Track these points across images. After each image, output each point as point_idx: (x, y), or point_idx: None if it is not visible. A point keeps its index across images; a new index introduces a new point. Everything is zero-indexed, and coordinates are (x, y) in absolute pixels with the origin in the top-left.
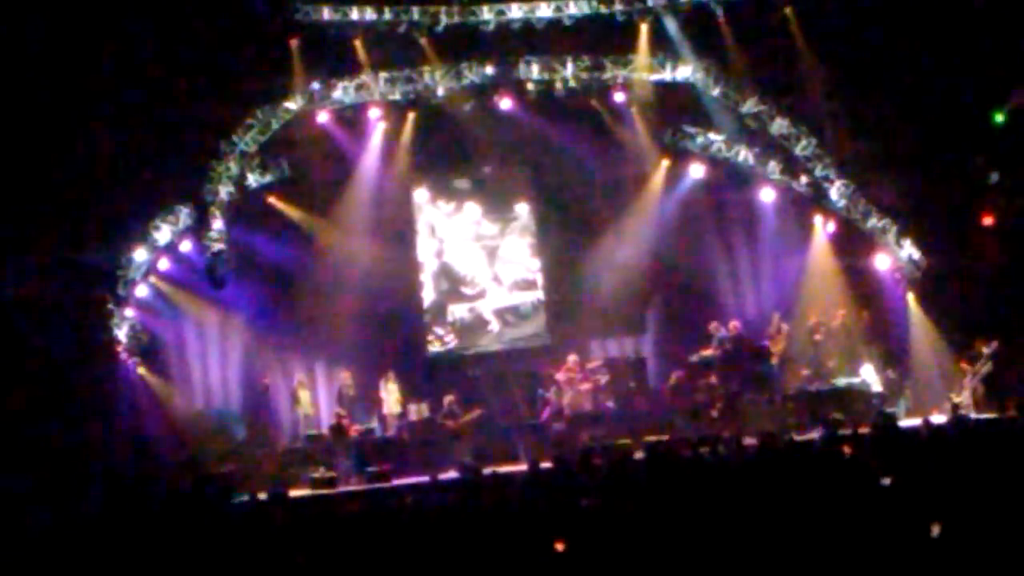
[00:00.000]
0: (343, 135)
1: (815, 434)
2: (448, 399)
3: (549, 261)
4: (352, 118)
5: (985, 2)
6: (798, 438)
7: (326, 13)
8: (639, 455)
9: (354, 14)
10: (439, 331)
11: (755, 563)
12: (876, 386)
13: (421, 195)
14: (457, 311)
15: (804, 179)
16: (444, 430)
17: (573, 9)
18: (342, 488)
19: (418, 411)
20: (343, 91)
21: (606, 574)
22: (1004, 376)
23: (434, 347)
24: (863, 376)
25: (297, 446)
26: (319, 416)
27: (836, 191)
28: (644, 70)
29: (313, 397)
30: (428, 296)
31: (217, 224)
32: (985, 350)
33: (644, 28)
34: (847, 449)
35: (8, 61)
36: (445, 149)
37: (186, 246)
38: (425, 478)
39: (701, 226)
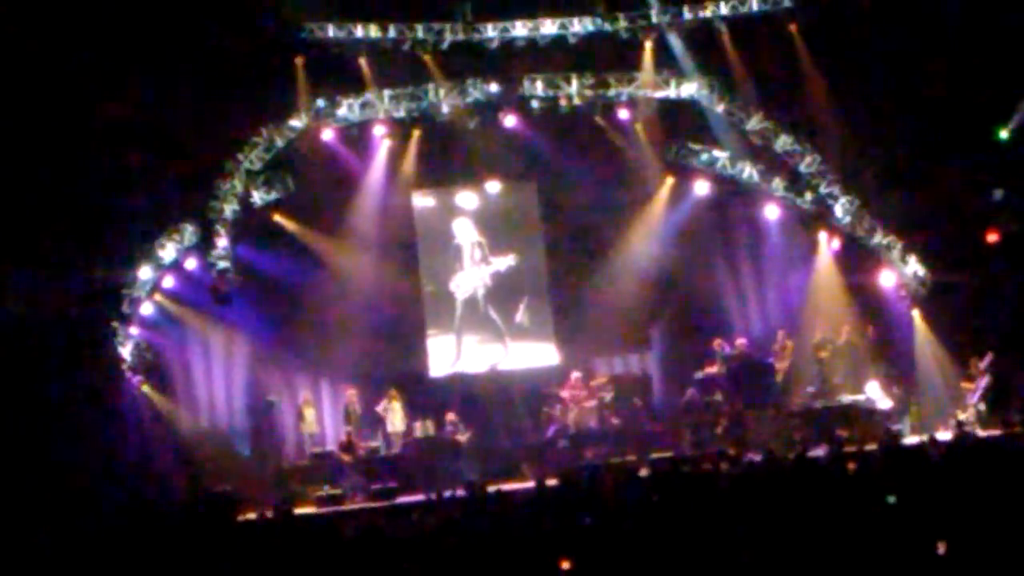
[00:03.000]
0: (348, 153)
1: (820, 451)
2: (450, 416)
3: (555, 278)
4: (357, 135)
5: (990, 20)
6: (803, 455)
7: (331, 31)
8: (644, 472)
9: (359, 32)
10: (443, 349)
11: None
12: (881, 403)
13: (425, 212)
14: (461, 328)
15: (809, 196)
16: (451, 446)
17: (577, 27)
18: (348, 506)
19: (423, 428)
20: (348, 108)
21: None
22: (1008, 392)
23: (438, 365)
24: (868, 393)
25: (302, 464)
26: (324, 434)
27: (841, 208)
28: (648, 87)
29: (318, 415)
30: (432, 313)
31: (222, 242)
32: (980, 365)
33: (648, 45)
34: (852, 466)
35: (14, 79)
36: (450, 166)
37: (191, 264)
38: (430, 496)
39: (706, 243)
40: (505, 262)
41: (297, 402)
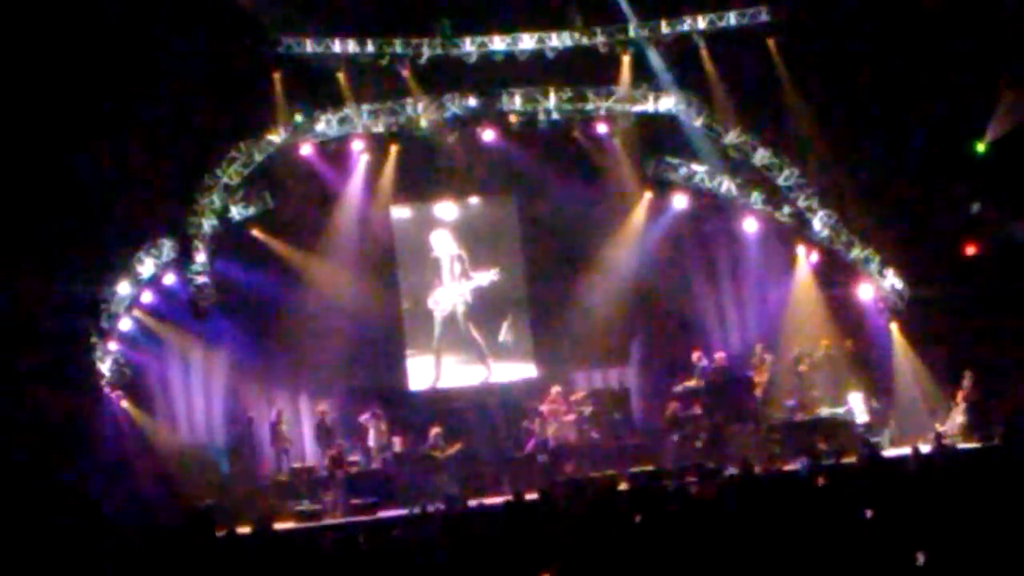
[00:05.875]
0: (326, 167)
1: (799, 464)
2: (434, 431)
3: (533, 293)
4: (335, 150)
5: (966, 33)
6: (782, 468)
7: (309, 46)
8: (623, 486)
9: (336, 47)
10: (422, 369)
11: None
12: (862, 415)
13: (403, 224)
14: (440, 348)
15: (787, 209)
16: (431, 460)
17: (555, 41)
18: (327, 521)
19: (404, 443)
20: (326, 123)
21: None
22: (988, 405)
23: (417, 379)
24: (851, 405)
25: (282, 479)
26: (303, 448)
27: (819, 221)
28: (626, 101)
29: (297, 429)
30: (411, 332)
31: (200, 257)
32: (966, 383)
33: (626, 60)
34: (831, 479)
35: None
36: (428, 181)
37: (169, 279)
38: (411, 510)
39: (684, 257)
40: (487, 277)
41: (272, 417)
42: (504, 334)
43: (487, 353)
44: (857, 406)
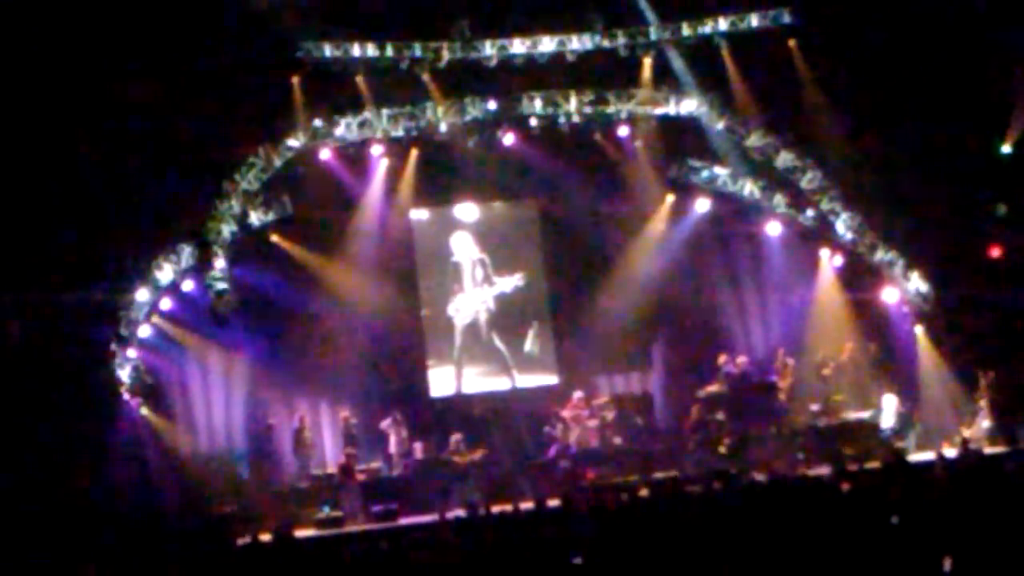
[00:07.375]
0: (346, 172)
1: (824, 470)
2: (455, 437)
3: (555, 298)
4: (355, 155)
5: (991, 33)
6: (807, 474)
7: (328, 50)
8: (646, 492)
9: (356, 50)
10: (442, 380)
11: None
12: (890, 418)
13: (423, 226)
14: (461, 358)
15: (810, 212)
16: (452, 467)
17: (576, 44)
18: (348, 528)
19: (427, 449)
20: (345, 128)
21: None
22: (1013, 409)
23: (439, 385)
24: (884, 406)
25: (302, 486)
26: (323, 455)
27: (843, 224)
28: (648, 104)
29: (318, 435)
30: (431, 340)
31: (220, 263)
32: (983, 383)
33: (647, 62)
34: (857, 484)
35: (9, 98)
36: (448, 185)
37: (188, 285)
38: (432, 517)
39: (707, 260)
40: (511, 282)
41: (295, 423)
42: (530, 344)
43: (511, 364)
44: (889, 408)
